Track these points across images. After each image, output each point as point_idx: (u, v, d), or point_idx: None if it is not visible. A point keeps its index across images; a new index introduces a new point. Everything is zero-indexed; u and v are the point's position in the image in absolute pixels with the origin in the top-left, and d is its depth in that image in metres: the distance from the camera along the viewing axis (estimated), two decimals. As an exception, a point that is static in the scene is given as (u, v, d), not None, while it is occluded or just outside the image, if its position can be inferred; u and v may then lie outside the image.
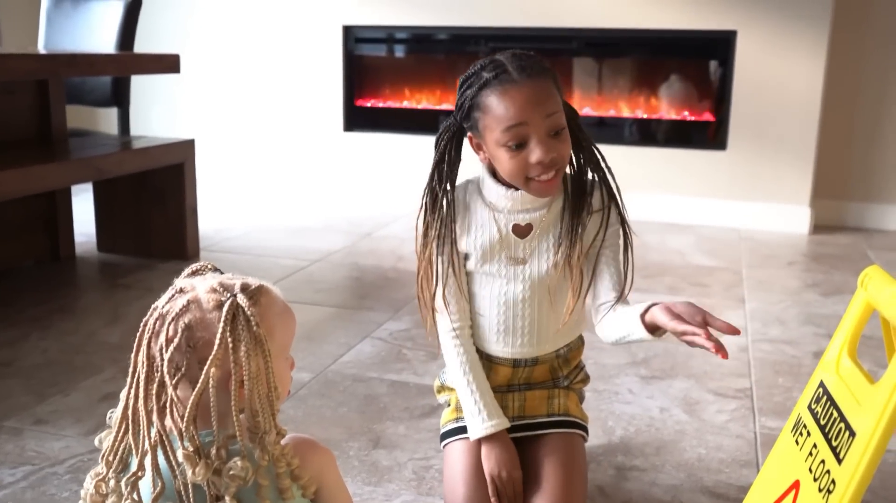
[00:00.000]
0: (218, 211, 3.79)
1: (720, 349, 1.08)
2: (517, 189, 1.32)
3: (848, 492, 0.91)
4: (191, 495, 0.88)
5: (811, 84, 3.51)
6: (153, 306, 0.92)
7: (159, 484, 0.88)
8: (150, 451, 0.88)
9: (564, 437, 1.38)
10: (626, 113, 3.86)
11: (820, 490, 0.97)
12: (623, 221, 1.36)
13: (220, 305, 0.88)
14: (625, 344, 1.30)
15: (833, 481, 0.94)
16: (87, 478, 0.95)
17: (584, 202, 1.33)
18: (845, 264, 3.10)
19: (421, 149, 3.91)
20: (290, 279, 2.78)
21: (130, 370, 0.91)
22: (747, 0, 3.52)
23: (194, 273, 0.97)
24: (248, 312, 0.88)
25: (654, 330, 1.22)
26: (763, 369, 2.07)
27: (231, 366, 0.87)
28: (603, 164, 1.35)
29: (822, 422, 1.04)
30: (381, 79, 4.21)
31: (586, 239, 1.33)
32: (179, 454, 0.87)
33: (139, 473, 0.90)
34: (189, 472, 0.86)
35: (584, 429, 1.43)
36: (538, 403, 1.42)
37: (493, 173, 1.35)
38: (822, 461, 0.99)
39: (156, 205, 2.94)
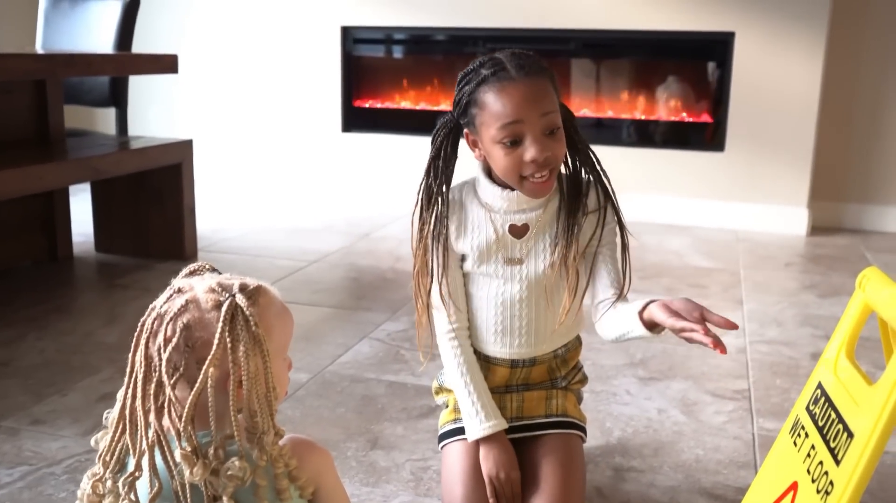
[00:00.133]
0: (216, 211, 3.79)
1: (718, 344, 1.08)
2: (513, 189, 1.32)
3: (846, 493, 0.91)
4: (188, 495, 0.88)
5: (809, 85, 3.52)
6: (151, 306, 0.92)
7: (156, 484, 0.88)
8: (148, 451, 0.88)
9: (562, 438, 1.38)
10: (624, 114, 3.86)
11: (818, 491, 0.97)
12: (619, 221, 1.36)
13: (218, 305, 0.88)
14: (625, 341, 1.31)
15: (831, 482, 0.94)
16: (83, 478, 0.94)
17: (579, 202, 1.33)
18: (843, 266, 3.11)
19: (419, 150, 3.91)
20: (288, 280, 2.78)
21: (128, 370, 0.90)
22: (745, 1, 3.52)
23: (192, 273, 0.97)
24: (247, 312, 0.88)
25: (653, 327, 1.22)
26: (761, 370, 2.07)
27: (230, 366, 0.87)
28: (598, 167, 1.35)
29: (821, 424, 1.04)
30: (379, 79, 4.21)
31: (582, 239, 1.33)
32: (177, 454, 0.87)
33: (136, 473, 0.89)
34: (187, 472, 0.86)
35: (583, 429, 1.43)
36: (536, 404, 1.41)
37: (489, 173, 1.35)
38: (821, 462, 0.99)
39: (154, 205, 2.93)
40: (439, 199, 1.34)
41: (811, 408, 1.09)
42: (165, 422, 0.88)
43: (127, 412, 0.90)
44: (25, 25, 4.18)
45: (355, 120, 4.18)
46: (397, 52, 4.26)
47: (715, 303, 2.60)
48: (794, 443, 1.10)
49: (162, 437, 0.88)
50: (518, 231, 1.34)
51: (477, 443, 1.35)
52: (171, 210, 2.91)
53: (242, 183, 4.39)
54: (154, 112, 4.50)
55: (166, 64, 2.80)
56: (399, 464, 1.58)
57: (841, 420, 0.98)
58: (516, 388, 1.42)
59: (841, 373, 1.06)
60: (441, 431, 1.43)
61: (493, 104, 1.25)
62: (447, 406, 1.46)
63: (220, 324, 0.86)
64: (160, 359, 0.87)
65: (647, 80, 3.87)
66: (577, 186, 1.35)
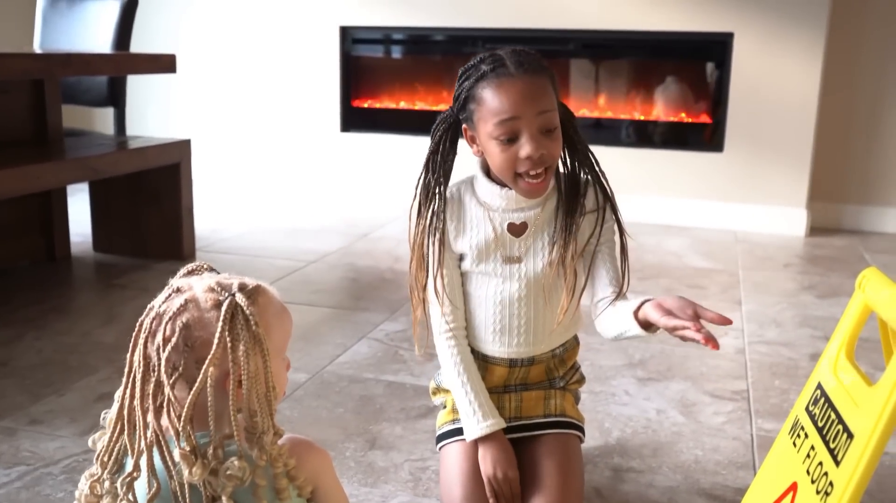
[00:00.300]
0: (214, 211, 3.78)
1: (710, 340, 1.08)
2: (514, 189, 1.32)
3: (846, 494, 0.91)
4: (187, 495, 0.87)
5: (808, 86, 3.52)
6: (149, 306, 0.91)
7: (154, 484, 0.88)
8: (146, 451, 0.88)
9: (561, 438, 1.38)
10: (622, 115, 3.86)
11: (818, 492, 0.96)
12: (618, 222, 1.36)
13: (218, 304, 0.88)
14: (624, 340, 1.31)
15: (831, 483, 0.94)
16: (81, 478, 0.94)
17: (577, 202, 1.33)
18: (842, 267, 3.11)
19: (417, 150, 3.91)
20: (286, 280, 2.77)
21: (126, 370, 0.90)
22: (744, 2, 3.53)
23: (190, 273, 0.96)
24: (247, 311, 0.87)
25: (648, 326, 1.22)
26: (760, 371, 2.07)
27: (229, 366, 0.87)
28: (597, 167, 1.35)
29: (820, 424, 1.03)
30: (377, 80, 4.20)
31: (581, 239, 1.33)
32: (176, 454, 0.86)
33: (135, 474, 0.89)
34: (186, 472, 0.86)
35: (581, 429, 1.43)
36: (534, 404, 1.41)
37: (487, 171, 1.35)
38: (820, 463, 0.99)
39: (152, 205, 2.93)
40: (437, 195, 1.34)
41: (811, 408, 1.09)
42: (164, 421, 0.87)
43: (125, 412, 0.89)
44: (23, 25, 4.17)
45: (354, 120, 4.18)
46: (396, 53, 4.25)
47: (714, 304, 2.60)
48: (794, 444, 1.09)
49: (160, 437, 0.87)
50: (517, 229, 1.34)
51: (475, 442, 1.34)
52: (169, 210, 2.91)
53: (241, 183, 4.39)
54: (152, 112, 4.49)
55: (164, 64, 2.80)
56: (398, 464, 1.57)
57: (841, 421, 0.98)
58: (514, 388, 1.42)
59: (841, 373, 1.06)
60: (439, 432, 1.43)
61: (491, 100, 1.25)
62: (445, 406, 1.45)
63: (220, 324, 0.86)
64: (159, 359, 0.87)
65: (645, 80, 3.86)
66: (575, 186, 1.35)
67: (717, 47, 3.65)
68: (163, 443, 0.87)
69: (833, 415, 1.01)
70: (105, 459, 0.92)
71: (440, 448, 1.41)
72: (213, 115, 4.40)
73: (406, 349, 2.15)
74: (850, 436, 0.94)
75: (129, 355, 0.90)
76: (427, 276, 1.36)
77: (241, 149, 4.38)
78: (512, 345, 1.38)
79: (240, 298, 0.88)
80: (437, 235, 1.34)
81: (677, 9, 3.60)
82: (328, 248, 3.21)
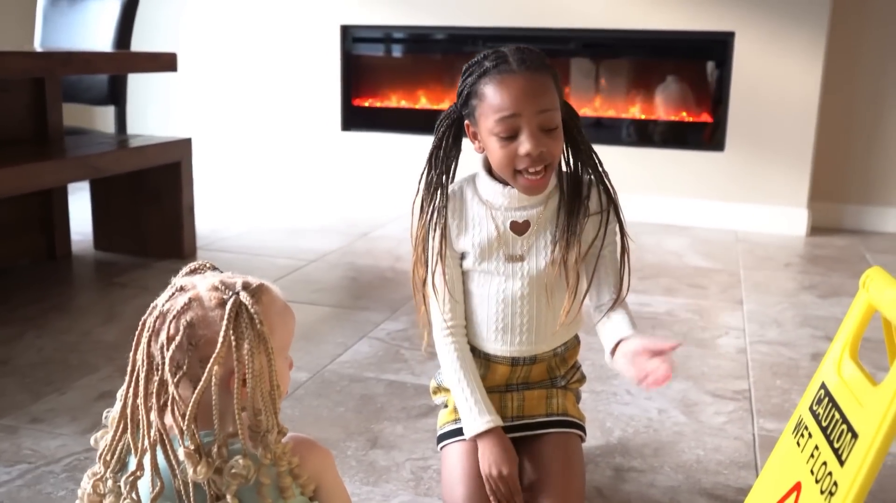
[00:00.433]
0: (214, 210, 3.78)
1: (654, 383, 1.14)
2: (514, 186, 1.32)
3: (850, 494, 0.91)
4: (191, 494, 0.87)
5: (809, 86, 3.52)
6: (153, 304, 0.91)
7: (158, 483, 0.88)
8: (150, 450, 0.88)
9: (563, 437, 1.38)
10: (623, 114, 3.86)
11: (822, 492, 0.96)
12: (620, 224, 1.36)
13: (222, 303, 0.87)
14: None
15: (835, 483, 0.94)
16: (84, 477, 0.94)
17: (580, 202, 1.33)
18: (842, 266, 3.11)
19: (418, 149, 3.90)
20: (287, 279, 2.77)
21: (129, 368, 0.90)
22: (745, 1, 3.52)
23: (193, 271, 0.96)
24: (252, 310, 0.87)
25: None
26: (761, 371, 2.06)
27: (234, 365, 0.86)
28: (600, 168, 1.35)
29: (824, 424, 1.03)
30: (378, 78, 4.20)
31: (584, 241, 1.33)
32: (180, 453, 0.86)
33: (138, 472, 0.89)
34: (190, 471, 0.86)
35: (582, 429, 1.43)
36: (536, 403, 1.41)
37: (490, 169, 1.35)
38: (824, 463, 0.99)
39: (152, 204, 2.93)
40: (439, 190, 1.34)
41: (815, 408, 1.09)
42: (167, 420, 0.87)
43: (128, 411, 0.89)
44: (24, 23, 4.17)
45: (355, 119, 4.18)
46: (397, 52, 4.25)
47: (714, 304, 2.60)
48: (798, 444, 1.09)
49: (164, 436, 0.87)
50: (519, 228, 1.34)
51: (476, 441, 1.34)
52: (169, 209, 2.90)
53: (241, 181, 4.38)
54: (153, 110, 4.49)
55: (165, 62, 2.79)
56: (399, 463, 1.57)
57: (845, 420, 0.98)
58: (516, 387, 1.42)
59: (845, 373, 1.06)
60: (440, 432, 1.43)
61: (492, 96, 1.25)
62: (446, 406, 1.45)
63: (225, 322, 0.86)
64: (163, 358, 0.87)
65: (646, 79, 3.86)
66: (577, 186, 1.34)
67: (717, 46, 3.64)
68: (166, 441, 0.87)
69: (837, 415, 1.01)
70: (108, 458, 0.92)
71: (441, 448, 1.41)
72: (214, 114, 4.40)
73: (407, 348, 2.15)
74: (855, 435, 0.94)
75: (132, 354, 0.90)
76: (427, 272, 1.36)
77: (241, 147, 4.37)
78: (514, 344, 1.38)
79: (244, 297, 0.88)
80: (439, 230, 1.34)
81: (678, 8, 3.60)
82: (329, 247, 3.20)
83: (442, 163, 1.35)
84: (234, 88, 4.33)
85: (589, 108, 3.89)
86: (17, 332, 2.20)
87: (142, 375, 0.88)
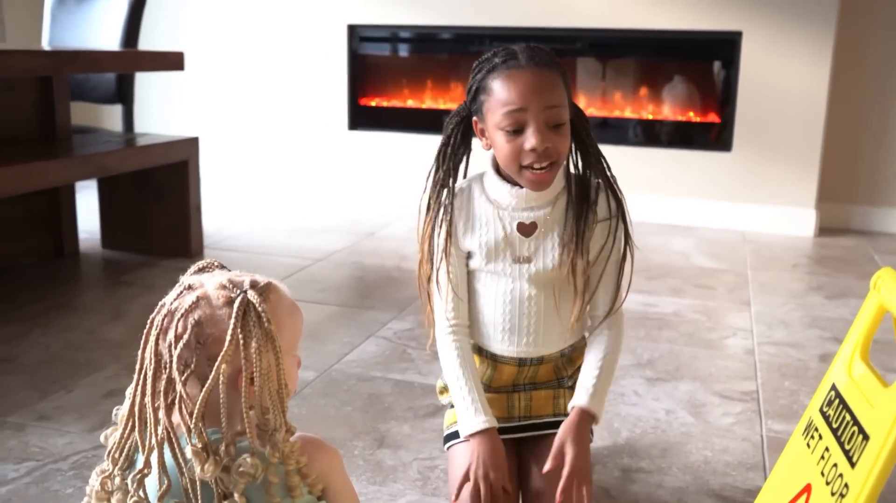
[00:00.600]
0: (221, 209, 3.78)
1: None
2: (522, 187, 1.31)
3: (861, 495, 0.90)
4: (198, 492, 0.87)
5: (816, 86, 3.50)
6: (161, 302, 0.91)
7: (165, 481, 0.87)
8: (157, 448, 0.88)
9: (570, 437, 1.37)
10: (630, 114, 3.85)
11: (833, 494, 0.96)
12: (626, 231, 1.35)
13: (230, 302, 0.87)
14: None
15: (846, 485, 0.93)
16: (92, 474, 0.94)
17: (588, 205, 1.32)
18: (850, 267, 3.09)
19: (425, 148, 3.90)
20: (293, 278, 2.77)
21: (137, 367, 0.90)
22: (753, 1, 3.51)
23: (201, 270, 0.96)
24: (259, 309, 0.87)
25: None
26: (769, 372, 2.06)
27: (241, 363, 0.86)
28: (609, 173, 1.34)
29: (835, 426, 1.03)
30: (385, 78, 4.20)
31: (593, 248, 1.32)
32: (187, 451, 0.86)
33: (145, 470, 0.89)
34: (198, 469, 0.85)
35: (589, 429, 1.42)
36: (544, 403, 1.41)
37: (498, 168, 1.35)
38: (835, 464, 0.98)
39: (159, 202, 2.93)
40: (445, 187, 1.34)
41: (825, 409, 1.08)
42: (175, 418, 0.87)
43: (136, 409, 0.89)
44: (32, 22, 4.18)
45: (361, 118, 4.18)
46: (404, 51, 4.25)
47: (721, 305, 2.59)
48: (808, 445, 1.09)
49: (172, 434, 0.87)
50: (526, 229, 1.34)
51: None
52: (176, 207, 2.91)
53: (248, 180, 4.39)
54: (160, 109, 4.50)
55: (172, 61, 2.80)
56: (406, 463, 1.57)
57: (856, 422, 0.98)
58: (523, 388, 1.42)
59: (856, 374, 1.05)
60: (447, 432, 1.42)
61: (499, 90, 1.26)
62: (452, 406, 1.45)
63: (233, 321, 0.86)
64: (171, 356, 0.87)
65: (653, 79, 3.85)
66: (585, 190, 1.34)
67: (725, 46, 3.63)
68: (174, 439, 0.87)
69: (848, 417, 1.00)
70: (116, 456, 0.91)
71: (448, 448, 1.41)
72: (221, 113, 4.40)
73: (414, 348, 2.15)
74: (866, 437, 0.94)
75: (140, 352, 0.90)
76: (432, 268, 1.36)
77: (248, 146, 4.38)
78: (521, 345, 1.37)
79: (252, 295, 0.88)
80: (444, 227, 1.34)
81: (685, 7, 3.59)
82: (335, 246, 3.20)
83: (449, 160, 1.35)
84: (242, 87, 4.33)
85: (595, 107, 3.88)
86: (23, 330, 2.20)
87: (149, 373, 0.88)
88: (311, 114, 4.22)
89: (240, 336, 0.86)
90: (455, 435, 1.39)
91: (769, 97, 3.57)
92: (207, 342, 0.87)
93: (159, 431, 0.87)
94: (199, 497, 0.87)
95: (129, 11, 3.12)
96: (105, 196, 3.02)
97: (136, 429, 0.89)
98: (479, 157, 1.40)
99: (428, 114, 4.07)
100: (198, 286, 0.90)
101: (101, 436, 0.94)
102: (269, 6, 4.18)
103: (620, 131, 3.85)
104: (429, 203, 1.36)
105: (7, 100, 2.71)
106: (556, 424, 1.39)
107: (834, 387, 1.08)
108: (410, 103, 4.13)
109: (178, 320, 0.87)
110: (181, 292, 0.90)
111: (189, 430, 0.86)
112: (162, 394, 0.87)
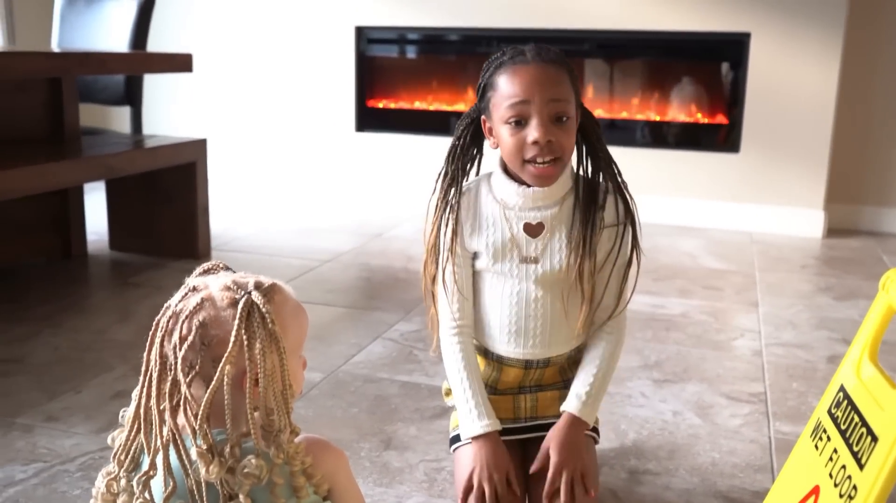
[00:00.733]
0: (228, 210, 3.79)
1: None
2: (529, 186, 1.31)
3: (870, 497, 0.89)
4: (203, 494, 0.87)
5: (825, 87, 3.49)
6: (166, 305, 0.91)
7: (171, 483, 0.87)
8: (163, 450, 0.88)
9: (576, 439, 1.37)
10: (638, 115, 3.84)
11: (841, 496, 0.95)
12: (634, 237, 1.34)
13: (234, 303, 0.87)
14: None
15: (854, 487, 0.93)
16: (98, 476, 0.94)
17: (595, 207, 1.32)
18: (859, 268, 3.08)
19: (432, 150, 3.90)
20: (300, 279, 2.77)
21: (143, 369, 0.90)
22: (761, 2, 3.50)
23: (206, 272, 0.96)
24: (263, 310, 0.87)
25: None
26: (776, 373, 2.05)
27: (246, 364, 0.86)
28: (619, 178, 1.34)
29: (843, 427, 1.02)
30: (393, 80, 4.20)
31: (600, 252, 1.32)
32: (193, 452, 0.86)
33: (151, 472, 0.89)
34: (203, 471, 0.85)
35: (595, 430, 1.42)
36: (550, 403, 1.40)
37: (505, 169, 1.34)
38: (843, 466, 0.98)
39: (167, 204, 2.93)
40: (452, 187, 1.34)
41: (833, 411, 1.07)
42: (180, 420, 0.87)
43: (142, 410, 0.89)
44: (41, 24, 4.20)
45: (369, 120, 4.18)
46: (411, 53, 4.25)
47: (729, 306, 2.58)
48: (816, 447, 1.08)
49: (177, 436, 0.87)
50: (533, 230, 1.33)
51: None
52: (184, 209, 2.91)
53: (255, 182, 4.39)
54: (169, 111, 4.51)
55: (180, 63, 2.80)
56: (413, 464, 1.57)
57: (864, 423, 0.97)
58: (529, 389, 1.41)
59: (864, 376, 1.05)
60: (453, 433, 1.42)
61: (504, 85, 1.27)
62: (458, 408, 1.44)
63: (237, 322, 0.86)
64: (175, 358, 0.87)
65: (661, 80, 3.85)
66: (593, 192, 1.33)
67: (733, 47, 3.62)
68: (179, 441, 0.87)
69: (856, 418, 0.99)
70: (122, 457, 0.92)
71: (454, 450, 1.40)
72: (229, 115, 4.41)
73: (420, 349, 2.15)
74: (875, 438, 0.93)
75: (145, 354, 0.90)
76: (437, 268, 1.36)
77: (256, 148, 4.39)
78: (527, 347, 1.37)
79: (256, 296, 0.88)
80: (450, 226, 1.34)
81: (694, 9, 3.58)
82: (342, 247, 3.20)
83: (458, 160, 1.35)
84: (250, 89, 4.34)
85: (603, 109, 3.87)
86: (32, 331, 2.21)
87: (155, 375, 0.88)
88: (318, 115, 4.22)
89: (244, 337, 0.86)
90: (461, 437, 1.39)
91: (777, 98, 3.56)
92: (212, 343, 0.87)
93: (164, 433, 0.87)
94: (204, 498, 0.87)
95: (138, 13, 3.13)
96: (113, 197, 3.02)
97: (142, 430, 0.89)
98: (491, 161, 1.40)
99: (435, 115, 4.07)
100: (202, 288, 0.90)
101: (108, 437, 0.95)
102: (277, 8, 4.19)
103: (628, 132, 3.84)
104: (436, 202, 1.36)
105: (16, 101, 2.72)
106: (562, 425, 1.39)
107: (842, 389, 1.08)
108: (418, 105, 4.13)
109: (183, 322, 0.87)
110: (186, 294, 0.90)
111: (194, 432, 0.86)
112: (167, 395, 0.87)
